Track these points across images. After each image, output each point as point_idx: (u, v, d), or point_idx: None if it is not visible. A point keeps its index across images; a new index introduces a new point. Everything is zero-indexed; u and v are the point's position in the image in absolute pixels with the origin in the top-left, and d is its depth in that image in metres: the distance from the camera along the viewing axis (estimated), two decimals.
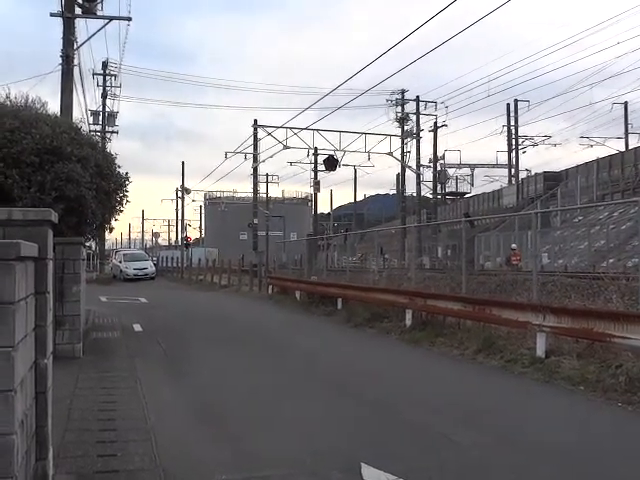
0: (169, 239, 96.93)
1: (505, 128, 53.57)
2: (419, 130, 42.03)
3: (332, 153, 35.96)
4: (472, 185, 64.79)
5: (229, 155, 39.35)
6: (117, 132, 41.75)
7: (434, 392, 7.99)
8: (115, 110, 41.52)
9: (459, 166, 63.69)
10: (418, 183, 43.83)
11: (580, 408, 7.16)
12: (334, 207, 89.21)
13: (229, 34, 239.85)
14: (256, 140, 36.83)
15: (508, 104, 36.89)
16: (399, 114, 42.37)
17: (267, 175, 61.68)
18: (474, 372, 9.35)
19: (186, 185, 57.11)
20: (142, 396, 7.51)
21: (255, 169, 38.46)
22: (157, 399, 7.43)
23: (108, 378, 8.74)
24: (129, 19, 19.57)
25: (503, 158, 58.29)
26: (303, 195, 72.50)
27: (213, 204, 75.82)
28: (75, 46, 17.92)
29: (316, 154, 36.71)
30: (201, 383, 8.62)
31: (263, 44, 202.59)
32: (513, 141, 54.61)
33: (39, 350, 3.93)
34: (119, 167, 13.68)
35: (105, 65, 39.74)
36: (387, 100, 42.30)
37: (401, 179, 45.36)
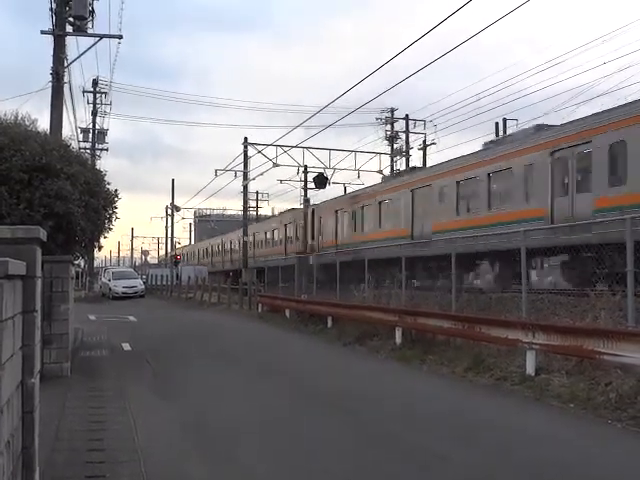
0: (159, 257, 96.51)
1: None
2: (408, 148, 42.23)
3: (322, 171, 36.02)
4: None
5: (219, 173, 39.42)
6: (107, 149, 41.83)
7: (425, 411, 7.96)
8: (105, 127, 41.64)
9: None
10: None
11: (570, 426, 7.15)
12: None
13: (215, 52, 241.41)
14: (246, 158, 36.82)
15: (497, 122, 36.98)
16: (388, 132, 42.60)
17: (257, 193, 61.97)
18: (464, 390, 9.32)
19: (175, 203, 57.00)
20: (131, 416, 7.44)
21: (245, 187, 38.43)
22: (146, 419, 7.36)
23: (96, 398, 8.66)
24: (120, 37, 19.62)
25: None
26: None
27: (203, 221, 75.75)
28: (65, 64, 17.94)
29: (306, 172, 36.77)
30: (190, 403, 8.54)
31: (249, 62, 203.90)
32: None
33: (26, 369, 3.88)
34: (109, 184, 13.69)
35: (95, 83, 39.81)
36: (377, 118, 42.54)
37: None
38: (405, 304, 14.76)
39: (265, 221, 44.73)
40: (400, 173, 27.80)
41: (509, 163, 18.61)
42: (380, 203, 26.81)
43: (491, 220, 18.50)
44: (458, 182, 21.14)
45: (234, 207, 75.63)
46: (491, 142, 21.98)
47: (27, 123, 12.92)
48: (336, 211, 31.25)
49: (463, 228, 19.32)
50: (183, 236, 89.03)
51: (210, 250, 60.61)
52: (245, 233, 38.84)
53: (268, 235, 42.63)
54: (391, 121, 42.76)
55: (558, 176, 16.69)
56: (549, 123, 20.04)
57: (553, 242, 13.98)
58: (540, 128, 19.21)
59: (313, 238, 33.49)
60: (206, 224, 72.93)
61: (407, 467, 5.57)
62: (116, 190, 13.72)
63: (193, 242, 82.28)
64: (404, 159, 41.96)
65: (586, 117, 16.74)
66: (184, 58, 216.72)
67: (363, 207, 28.24)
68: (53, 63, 17.55)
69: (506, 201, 18.74)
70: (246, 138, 36.60)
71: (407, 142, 42.31)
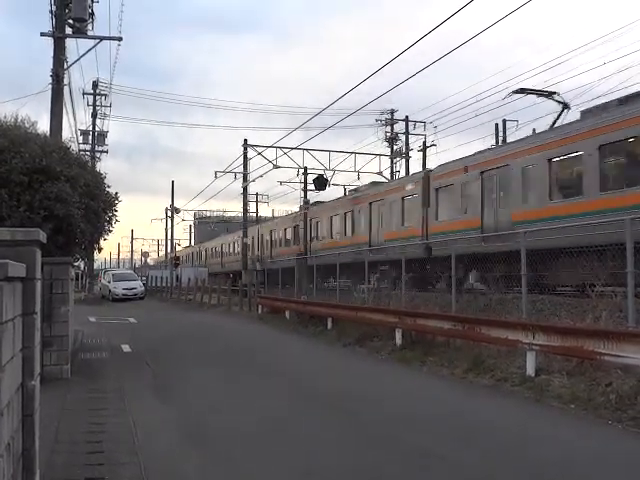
0: (158, 258, 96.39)
1: None
2: (408, 150, 42.21)
3: (322, 172, 35.99)
4: None
5: (219, 175, 39.41)
6: (107, 151, 41.80)
7: (425, 412, 7.96)
8: (105, 129, 41.62)
9: None
10: None
11: (571, 427, 7.15)
12: None
13: (215, 54, 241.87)
14: (246, 159, 36.79)
15: (497, 124, 36.94)
16: (388, 134, 42.58)
17: (257, 194, 61.91)
18: (464, 391, 9.32)
19: (175, 204, 57.03)
20: (130, 418, 7.44)
21: (245, 188, 38.39)
22: (145, 421, 7.36)
23: (96, 400, 8.65)
24: (120, 39, 19.63)
25: None
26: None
27: (203, 223, 75.74)
28: (65, 66, 17.93)
29: (306, 173, 36.74)
30: (189, 405, 8.54)
31: (249, 63, 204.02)
32: None
33: (26, 372, 3.88)
34: (108, 187, 13.68)
35: (95, 85, 39.77)
36: (376, 120, 42.52)
37: None
38: (405, 305, 14.77)
39: (228, 235, 55.12)
40: (313, 204, 36.59)
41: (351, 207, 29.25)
42: (297, 226, 36.69)
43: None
44: (345, 213, 30.18)
45: (234, 209, 75.69)
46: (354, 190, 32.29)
47: (27, 125, 12.92)
48: (271, 231, 42.36)
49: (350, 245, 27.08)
50: (183, 238, 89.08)
51: (208, 252, 61.95)
52: (245, 235, 38.83)
53: (231, 246, 52.54)
54: (391, 123, 42.73)
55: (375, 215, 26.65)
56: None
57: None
58: (374, 184, 30.53)
59: (259, 250, 43.83)
60: (206, 226, 72.91)
61: (407, 468, 5.57)
62: (116, 193, 13.72)
63: (193, 244, 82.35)
64: (404, 160, 41.96)
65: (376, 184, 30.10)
66: (184, 60, 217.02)
67: (285, 229, 39.41)
68: (53, 65, 17.55)
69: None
70: (246, 140, 36.65)
71: (407, 144, 42.32)
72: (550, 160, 16.16)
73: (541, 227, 13.29)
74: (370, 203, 26.90)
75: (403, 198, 24.23)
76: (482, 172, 19.03)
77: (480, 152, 20.58)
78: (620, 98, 15.60)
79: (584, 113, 16.50)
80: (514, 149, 18.01)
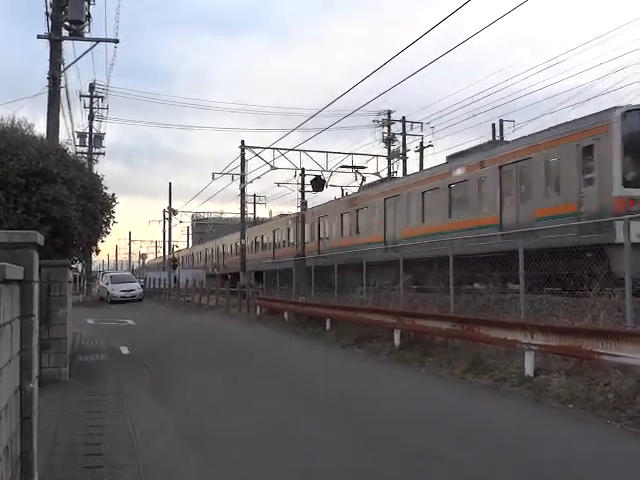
0: (156, 258, 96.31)
1: None
2: (405, 150, 42.23)
3: (319, 173, 36.04)
4: None
5: (216, 176, 39.42)
6: (104, 154, 41.79)
7: (424, 412, 7.95)
8: (102, 132, 41.58)
9: None
10: None
11: (569, 426, 7.15)
12: None
13: (214, 55, 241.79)
14: (243, 161, 36.81)
15: (493, 124, 36.94)
16: (385, 134, 42.59)
17: (254, 196, 61.86)
18: (463, 392, 9.32)
19: (173, 206, 57.00)
20: (129, 420, 7.43)
21: (242, 190, 38.39)
22: (144, 423, 7.35)
23: (95, 402, 8.64)
24: (116, 41, 19.65)
25: None
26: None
27: (200, 225, 75.74)
28: (62, 68, 17.91)
29: (303, 175, 36.76)
30: (188, 406, 8.53)
31: (247, 64, 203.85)
32: None
33: (24, 374, 3.87)
34: (106, 188, 13.66)
35: (92, 87, 39.73)
36: (374, 121, 42.53)
37: None
38: (403, 306, 14.76)
39: (205, 243, 64.45)
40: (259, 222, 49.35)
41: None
42: (257, 239, 46.40)
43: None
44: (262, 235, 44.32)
45: (232, 210, 75.81)
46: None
47: (24, 128, 12.90)
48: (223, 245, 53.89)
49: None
50: (181, 239, 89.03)
51: (206, 254, 62.96)
52: (243, 236, 38.80)
53: (208, 252, 61.30)
54: (388, 123, 42.72)
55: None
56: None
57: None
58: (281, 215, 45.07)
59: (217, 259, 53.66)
60: (203, 227, 72.92)
61: (406, 469, 5.57)
62: (113, 194, 13.70)
63: (191, 246, 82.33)
64: (401, 161, 41.97)
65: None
66: (183, 59, 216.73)
67: (231, 245, 50.85)
68: (50, 68, 17.50)
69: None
70: (243, 141, 36.64)
71: (404, 144, 42.33)
72: (351, 212, 29.06)
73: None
74: (274, 230, 41.18)
75: (288, 228, 37.65)
76: (319, 217, 32.77)
77: (325, 203, 34.96)
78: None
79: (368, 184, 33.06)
80: (335, 204, 32.39)
